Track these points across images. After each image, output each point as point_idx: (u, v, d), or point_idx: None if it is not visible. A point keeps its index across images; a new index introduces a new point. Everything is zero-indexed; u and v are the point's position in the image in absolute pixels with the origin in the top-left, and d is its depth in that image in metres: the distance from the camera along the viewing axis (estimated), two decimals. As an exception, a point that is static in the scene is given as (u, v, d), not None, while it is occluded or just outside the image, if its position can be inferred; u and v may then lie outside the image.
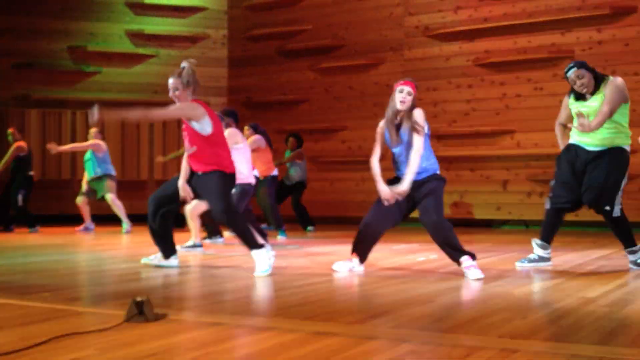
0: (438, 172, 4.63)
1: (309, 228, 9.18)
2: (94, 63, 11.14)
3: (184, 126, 4.75)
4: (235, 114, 6.86)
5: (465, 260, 4.40)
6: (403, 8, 10.65)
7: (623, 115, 4.73)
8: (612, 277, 4.40)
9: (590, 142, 4.78)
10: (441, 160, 10.84)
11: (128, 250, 6.75)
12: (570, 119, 4.97)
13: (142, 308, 2.90)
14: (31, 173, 9.30)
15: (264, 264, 4.53)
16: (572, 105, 4.89)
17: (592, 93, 4.75)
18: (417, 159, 4.43)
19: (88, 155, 9.07)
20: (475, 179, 10.03)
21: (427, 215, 4.44)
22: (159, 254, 4.96)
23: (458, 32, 10.10)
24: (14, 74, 11.00)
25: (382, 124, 4.67)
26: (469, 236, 7.44)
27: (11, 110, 10.98)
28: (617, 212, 4.69)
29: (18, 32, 11.04)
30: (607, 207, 4.67)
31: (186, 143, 4.82)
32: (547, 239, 5.00)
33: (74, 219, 9.59)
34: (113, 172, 9.10)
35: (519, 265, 4.95)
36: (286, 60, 11.56)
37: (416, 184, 4.47)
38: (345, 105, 11.00)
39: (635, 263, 4.80)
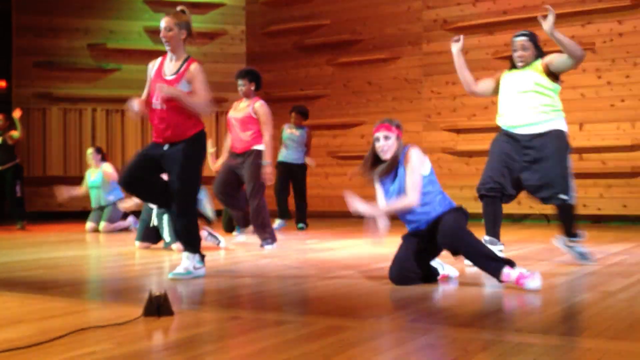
0: (454, 206, 3.96)
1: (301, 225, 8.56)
2: (114, 60, 11.21)
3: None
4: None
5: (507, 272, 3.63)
6: (421, 2, 10.60)
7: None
8: (633, 271, 4.35)
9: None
10: (461, 154, 10.73)
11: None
12: (492, 90, 4.88)
13: (160, 302, 2.92)
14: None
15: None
16: (507, 75, 4.80)
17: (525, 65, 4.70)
18: (412, 195, 3.81)
19: (97, 181, 8.52)
20: (495, 173, 9.96)
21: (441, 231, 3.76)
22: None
23: (477, 25, 10.03)
24: (36, 72, 11.11)
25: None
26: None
27: (32, 107, 11.10)
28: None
29: (39, 31, 11.15)
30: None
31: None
32: (491, 233, 4.72)
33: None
34: (122, 195, 8.37)
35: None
36: (304, 56, 11.56)
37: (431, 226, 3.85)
38: (364, 100, 10.98)
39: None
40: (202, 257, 4.28)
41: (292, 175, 8.45)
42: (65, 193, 8.36)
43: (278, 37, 11.76)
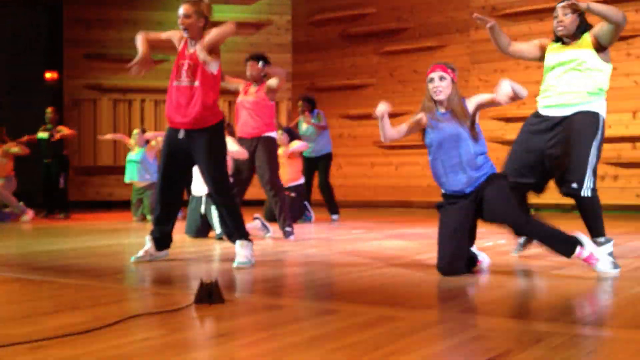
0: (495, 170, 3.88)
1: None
2: (162, 51, 11.30)
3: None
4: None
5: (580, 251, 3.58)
6: (469, -12, 10.45)
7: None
8: (690, 263, 4.22)
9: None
10: (510, 143, 10.59)
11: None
12: (528, 52, 4.41)
13: (211, 290, 2.95)
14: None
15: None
16: (551, 49, 4.30)
17: (570, 38, 4.20)
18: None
19: (138, 155, 8.55)
20: (545, 163, 9.78)
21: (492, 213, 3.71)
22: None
23: (527, 12, 9.84)
24: (86, 64, 11.33)
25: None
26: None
27: (83, 98, 11.33)
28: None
29: (89, 23, 11.36)
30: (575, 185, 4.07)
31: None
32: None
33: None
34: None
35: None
36: (350, 45, 11.52)
37: (474, 195, 3.77)
38: (410, 89, 10.89)
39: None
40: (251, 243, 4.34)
41: (315, 168, 8.27)
42: (114, 136, 9.02)
43: (323, 26, 11.74)
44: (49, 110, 9.24)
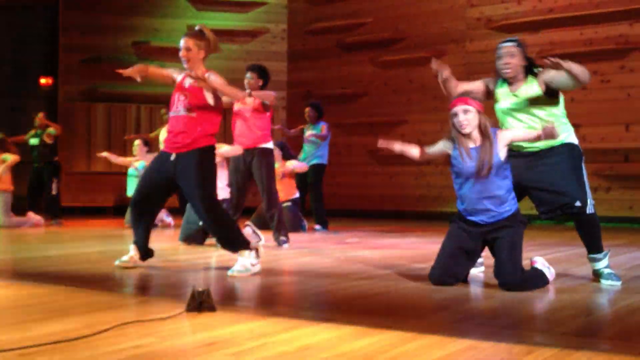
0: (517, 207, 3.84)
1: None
2: (158, 58, 11.35)
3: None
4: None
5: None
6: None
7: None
8: (682, 276, 4.23)
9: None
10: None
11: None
12: (480, 93, 4.10)
13: (202, 298, 2.94)
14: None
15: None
16: (500, 90, 4.10)
17: (519, 80, 4.01)
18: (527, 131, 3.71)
19: (141, 167, 8.43)
20: (538, 174, 9.80)
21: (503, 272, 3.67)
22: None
23: (522, 24, 9.90)
24: (82, 69, 11.33)
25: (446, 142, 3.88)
26: (532, 232, 7.28)
27: (78, 104, 11.32)
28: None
29: (85, 28, 11.37)
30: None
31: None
32: None
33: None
34: None
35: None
36: (346, 54, 11.55)
37: (491, 227, 3.76)
38: (405, 98, 10.93)
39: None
40: (257, 252, 4.32)
41: (307, 178, 8.13)
42: (109, 156, 8.50)
43: (320, 35, 11.78)
44: (39, 115, 9.14)
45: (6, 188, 8.49)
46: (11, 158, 8.69)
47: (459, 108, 3.71)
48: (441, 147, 3.90)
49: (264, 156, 5.94)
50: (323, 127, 8.13)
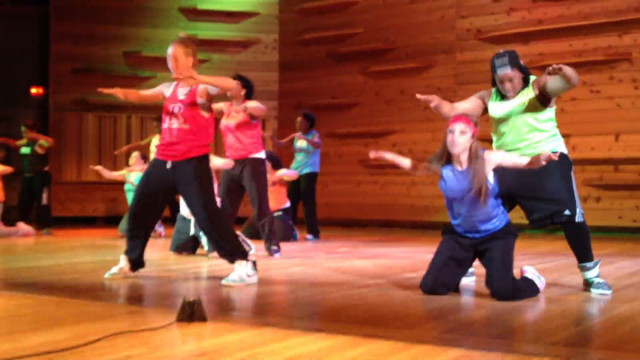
0: (508, 220, 3.88)
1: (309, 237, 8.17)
2: (149, 68, 11.36)
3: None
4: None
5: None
6: (455, 11, 10.56)
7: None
8: (671, 285, 4.25)
9: None
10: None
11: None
12: (477, 110, 4.20)
13: (193, 308, 2.93)
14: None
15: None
16: (493, 104, 4.20)
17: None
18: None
19: (137, 181, 8.27)
20: (529, 184, 9.83)
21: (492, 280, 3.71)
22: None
23: (511, 35, 9.96)
24: (72, 79, 11.31)
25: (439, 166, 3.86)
26: (522, 241, 7.30)
27: (69, 114, 11.29)
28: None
29: (76, 38, 11.36)
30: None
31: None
32: None
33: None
34: None
35: None
36: (337, 64, 11.59)
37: (481, 240, 3.82)
38: (396, 108, 10.96)
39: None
40: (254, 264, 4.31)
41: (299, 187, 8.12)
42: (102, 170, 8.37)
43: (311, 45, 11.81)
44: (23, 129, 8.97)
45: None
46: (2, 169, 8.64)
47: (457, 126, 3.70)
48: (434, 167, 3.87)
49: (255, 166, 5.92)
50: (314, 136, 8.13)
